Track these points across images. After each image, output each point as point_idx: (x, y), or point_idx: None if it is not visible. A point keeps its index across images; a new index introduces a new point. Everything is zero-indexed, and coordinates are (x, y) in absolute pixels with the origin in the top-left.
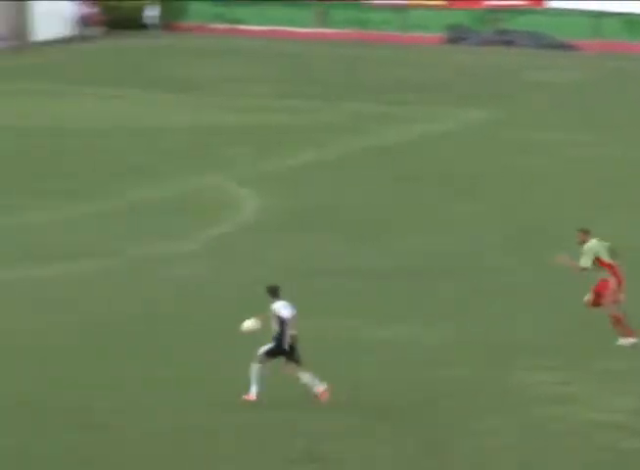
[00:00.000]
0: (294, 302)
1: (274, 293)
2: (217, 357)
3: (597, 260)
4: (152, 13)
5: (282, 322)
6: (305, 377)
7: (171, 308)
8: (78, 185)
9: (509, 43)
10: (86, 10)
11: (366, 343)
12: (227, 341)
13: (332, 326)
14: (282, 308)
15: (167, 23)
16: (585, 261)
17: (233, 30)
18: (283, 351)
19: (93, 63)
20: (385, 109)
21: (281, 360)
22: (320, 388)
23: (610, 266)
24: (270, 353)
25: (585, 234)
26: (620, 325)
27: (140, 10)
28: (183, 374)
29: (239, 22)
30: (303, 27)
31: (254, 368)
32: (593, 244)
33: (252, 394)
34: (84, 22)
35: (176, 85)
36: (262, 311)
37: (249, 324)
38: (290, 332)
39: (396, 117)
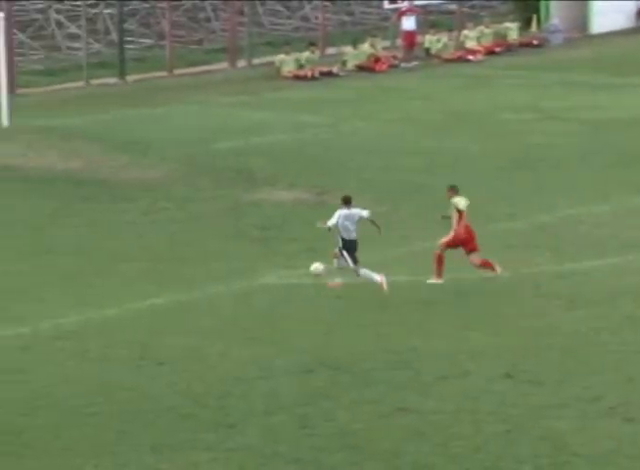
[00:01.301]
0: None
1: (346, 202)
2: None
3: (456, 211)
4: None
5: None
6: (336, 266)
7: None
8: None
9: None
10: None
11: None
12: None
13: None
14: (339, 215)
15: None
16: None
17: None
18: (343, 249)
19: None
20: None
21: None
22: (335, 282)
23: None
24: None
25: (453, 190)
26: (440, 266)
27: None
28: None
29: None
30: None
31: (335, 263)
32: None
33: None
34: None
35: None
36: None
37: (316, 266)
38: (346, 236)
39: None
